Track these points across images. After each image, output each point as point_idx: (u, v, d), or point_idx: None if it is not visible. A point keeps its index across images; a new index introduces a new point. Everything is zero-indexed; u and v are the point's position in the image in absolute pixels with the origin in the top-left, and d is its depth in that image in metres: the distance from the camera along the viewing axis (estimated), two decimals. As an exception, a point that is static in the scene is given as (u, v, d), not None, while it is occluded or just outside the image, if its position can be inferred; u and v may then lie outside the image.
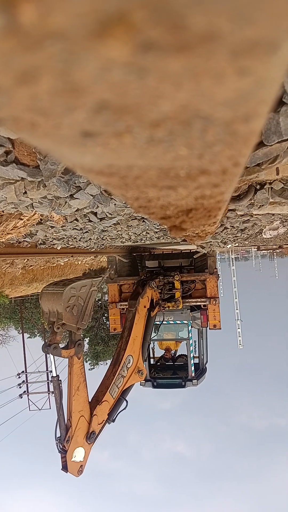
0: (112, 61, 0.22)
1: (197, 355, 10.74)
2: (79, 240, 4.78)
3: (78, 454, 4.70)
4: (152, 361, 11.30)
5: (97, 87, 0.24)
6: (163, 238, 5.11)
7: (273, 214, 2.48)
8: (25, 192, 1.76)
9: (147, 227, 3.68)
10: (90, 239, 4.64)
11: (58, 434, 4.62)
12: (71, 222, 2.94)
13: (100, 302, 23.54)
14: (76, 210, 2.29)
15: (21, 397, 22.30)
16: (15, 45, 0.21)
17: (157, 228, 3.82)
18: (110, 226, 3.19)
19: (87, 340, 23.50)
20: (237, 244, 7.39)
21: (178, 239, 4.64)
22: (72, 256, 8.14)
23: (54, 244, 5.15)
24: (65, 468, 4.62)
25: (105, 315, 22.27)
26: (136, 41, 0.21)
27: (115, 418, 5.41)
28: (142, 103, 0.26)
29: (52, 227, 3.38)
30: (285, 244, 10.70)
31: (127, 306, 7.00)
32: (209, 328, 9.29)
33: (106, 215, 2.67)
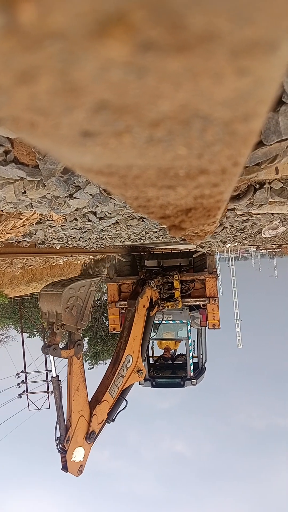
0: (111, 61, 0.22)
1: (196, 355, 10.74)
2: (79, 240, 4.78)
3: (78, 454, 4.70)
4: (151, 361, 11.30)
5: (96, 87, 0.24)
6: (162, 237, 5.11)
7: (273, 213, 2.48)
8: (24, 192, 1.76)
9: (146, 227, 3.68)
10: (89, 238, 4.64)
11: (58, 434, 4.62)
12: (70, 221, 2.94)
13: (99, 301, 23.53)
14: (75, 210, 2.29)
15: (21, 397, 22.30)
16: (15, 45, 0.21)
17: (157, 228, 3.82)
18: (110, 225, 3.19)
19: (86, 339, 23.50)
20: (236, 244, 7.39)
21: (178, 239, 4.64)
22: (71, 256, 8.14)
23: (53, 244, 5.15)
24: (65, 468, 4.62)
25: (105, 314, 22.26)
26: (136, 41, 0.21)
27: (115, 417, 5.41)
28: (141, 103, 0.26)
29: (51, 226, 3.38)
30: (284, 244, 10.70)
31: (126, 306, 7.00)
32: (208, 328, 9.30)
33: (106, 215, 2.67)
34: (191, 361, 9.96)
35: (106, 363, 22.35)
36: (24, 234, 3.62)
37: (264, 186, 1.91)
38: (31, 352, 22.69)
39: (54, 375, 4.69)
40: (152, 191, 0.48)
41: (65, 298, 4.31)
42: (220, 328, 9.17)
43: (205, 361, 10.87)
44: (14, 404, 21.76)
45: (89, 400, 5.00)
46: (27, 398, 22.68)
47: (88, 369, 22.37)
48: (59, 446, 4.60)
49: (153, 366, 11.22)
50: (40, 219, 3.08)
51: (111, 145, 0.32)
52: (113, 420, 5.36)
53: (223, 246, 7.15)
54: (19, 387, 22.43)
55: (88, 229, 3.59)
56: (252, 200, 2.01)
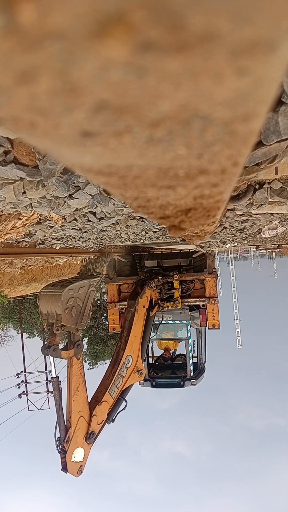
0: (111, 61, 0.22)
1: (196, 355, 10.74)
2: (78, 240, 4.78)
3: (77, 455, 4.70)
4: (150, 361, 11.30)
5: (96, 87, 0.24)
6: (162, 237, 5.11)
7: (272, 213, 2.48)
8: (24, 192, 1.76)
9: (146, 227, 3.68)
10: (89, 238, 4.64)
11: (58, 435, 4.62)
12: (70, 222, 2.94)
13: (99, 302, 23.53)
14: (75, 210, 2.29)
15: (20, 397, 22.30)
16: (15, 45, 0.21)
17: (156, 228, 3.82)
18: (109, 226, 3.19)
19: (86, 340, 23.50)
20: (236, 244, 7.40)
21: (177, 239, 4.64)
22: (71, 256, 8.14)
23: (53, 244, 5.14)
24: (64, 468, 4.62)
25: (104, 315, 22.26)
26: (135, 41, 0.21)
27: (115, 418, 5.40)
28: (141, 103, 0.26)
29: (51, 227, 3.38)
30: (284, 244, 10.71)
31: (126, 306, 7.00)
32: (208, 328, 9.29)
33: (105, 215, 2.67)
34: (190, 361, 9.96)
35: (105, 363, 22.36)
36: (23, 234, 3.62)
37: (264, 186, 1.91)
38: (31, 352, 22.72)
39: (54, 376, 4.69)
40: (151, 191, 0.48)
41: (65, 299, 4.31)
42: (219, 328, 9.17)
43: (205, 361, 10.87)
44: (14, 405, 21.78)
45: (89, 401, 5.00)
46: (27, 399, 22.69)
47: (88, 369, 22.38)
48: (59, 447, 4.60)
49: (153, 366, 11.22)
50: (40, 219, 3.08)
51: (111, 145, 0.32)
52: (113, 421, 5.35)
53: (222, 246, 7.15)
54: (19, 387, 22.44)
55: (88, 230, 3.59)
56: (251, 200, 2.01)
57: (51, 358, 4.60)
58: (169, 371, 10.94)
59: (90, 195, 1.90)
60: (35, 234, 3.93)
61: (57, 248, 5.47)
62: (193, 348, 10.47)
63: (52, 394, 4.80)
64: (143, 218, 3.09)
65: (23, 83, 0.23)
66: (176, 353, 12.03)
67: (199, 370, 10.35)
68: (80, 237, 4.42)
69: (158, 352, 12.10)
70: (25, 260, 8.96)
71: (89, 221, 2.84)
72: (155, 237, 4.90)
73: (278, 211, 2.19)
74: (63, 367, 4.94)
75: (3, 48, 0.21)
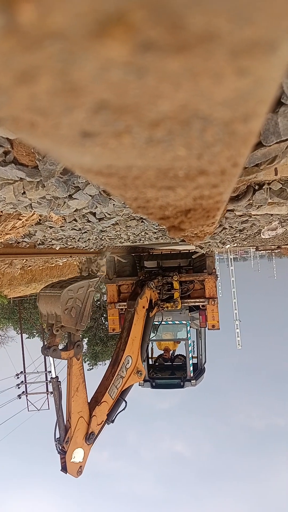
0: (111, 61, 0.22)
1: (196, 355, 10.74)
2: (78, 241, 4.78)
3: (77, 455, 4.70)
4: (150, 361, 11.30)
5: (96, 87, 0.24)
6: (161, 238, 5.11)
7: (272, 214, 2.48)
8: (24, 193, 1.76)
9: (145, 228, 3.68)
10: (88, 239, 4.64)
11: (57, 435, 4.62)
12: (69, 222, 2.94)
13: (98, 302, 23.53)
14: (74, 211, 2.29)
15: (20, 398, 22.28)
16: (15, 45, 0.21)
17: (156, 229, 3.82)
18: (109, 226, 3.19)
19: (85, 340, 23.49)
20: (235, 245, 7.40)
21: (177, 240, 4.64)
22: (71, 257, 8.14)
23: (52, 245, 5.14)
24: (64, 468, 4.61)
25: (104, 315, 22.25)
26: (135, 41, 0.21)
27: (114, 418, 5.40)
28: (141, 103, 0.26)
29: (50, 227, 3.38)
30: (283, 245, 10.71)
31: (125, 307, 7.00)
32: (208, 328, 9.29)
33: (105, 216, 2.67)
34: (190, 362, 9.96)
35: (105, 364, 22.35)
36: (23, 234, 3.62)
37: (263, 187, 1.91)
38: (31, 353, 22.70)
39: (53, 376, 4.69)
40: (151, 192, 0.48)
41: (64, 300, 4.31)
42: (219, 329, 9.16)
43: (205, 361, 10.86)
44: (14, 405, 21.76)
45: (89, 401, 5.00)
46: (27, 399, 22.68)
47: (88, 370, 22.36)
48: (59, 447, 4.60)
49: (153, 367, 11.21)
50: (40, 219, 3.08)
51: (110, 145, 0.32)
52: (112, 421, 5.35)
53: (222, 247, 7.15)
54: (19, 388, 22.42)
55: (88, 230, 3.58)
56: (251, 201, 2.01)
57: (51, 358, 4.60)
58: (169, 372, 10.94)
59: (90, 195, 1.90)
60: (34, 235, 3.93)
61: (57, 248, 5.47)
62: (193, 348, 10.47)
63: (52, 395, 4.80)
64: (143, 219, 3.09)
65: (23, 83, 0.23)
66: (175, 354, 12.03)
67: (199, 370, 10.35)
68: (79, 238, 4.42)
69: (158, 353, 12.10)
70: (25, 260, 8.96)
71: (88, 221, 2.84)
72: (154, 237, 4.91)
73: (278, 212, 2.19)
74: (63, 367, 4.94)
75: (3, 48, 0.21)
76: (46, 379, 21.84)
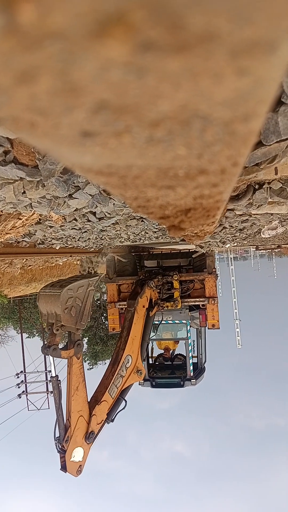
0: (111, 61, 0.22)
1: (196, 355, 10.74)
2: (78, 240, 4.78)
3: (77, 454, 4.70)
4: (150, 361, 11.30)
5: (96, 87, 0.24)
6: (162, 237, 5.11)
7: (272, 213, 2.48)
8: (24, 192, 1.76)
9: (146, 227, 3.68)
10: (89, 238, 4.64)
11: (57, 434, 4.62)
12: (69, 222, 2.94)
13: (98, 302, 23.54)
14: (75, 210, 2.29)
15: (20, 397, 22.30)
16: (15, 45, 0.21)
17: (156, 228, 3.82)
18: (109, 225, 3.19)
19: (85, 339, 23.49)
20: (235, 244, 7.40)
21: (177, 239, 4.65)
22: (71, 256, 8.14)
23: (52, 244, 5.14)
24: (64, 468, 4.62)
25: (104, 315, 22.26)
26: (135, 41, 0.21)
27: (114, 418, 5.40)
28: (141, 103, 0.26)
29: (50, 227, 3.38)
30: (283, 244, 10.71)
31: (126, 306, 7.00)
32: (208, 328, 9.29)
33: (105, 215, 2.67)
34: (190, 361, 9.96)
35: (105, 363, 22.35)
36: (23, 234, 3.61)
37: (264, 186, 1.91)
38: (31, 352, 22.72)
39: (53, 375, 4.69)
40: (151, 191, 0.48)
41: (64, 299, 4.31)
42: (219, 328, 9.17)
43: (205, 361, 10.86)
44: (14, 405, 21.78)
45: (89, 400, 5.00)
46: (27, 399, 22.69)
47: (88, 369, 22.38)
48: (58, 446, 4.60)
49: (153, 366, 11.22)
50: (40, 219, 3.08)
51: (111, 145, 0.32)
52: (112, 420, 5.35)
53: (222, 246, 7.15)
54: (19, 387, 22.44)
55: (88, 229, 3.58)
56: (251, 200, 2.01)
57: (51, 358, 4.60)
58: (169, 371, 10.94)
59: (90, 195, 1.90)
60: (35, 234, 3.93)
61: (57, 248, 5.47)
62: (193, 348, 10.47)
63: (52, 394, 4.80)
64: (143, 218, 3.09)
65: (23, 83, 0.23)
66: (175, 353, 12.03)
67: (199, 370, 10.35)
68: (80, 237, 4.42)
69: (158, 352, 12.11)
70: (25, 260, 8.96)
71: (89, 221, 2.84)
72: (155, 237, 4.91)
73: (278, 211, 2.19)
74: (63, 366, 4.94)
75: (3, 48, 0.21)
76: (46, 379, 21.86)
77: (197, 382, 9.84)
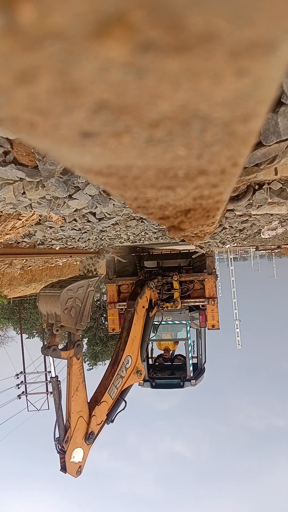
0: (111, 61, 0.22)
1: (196, 355, 10.74)
2: (78, 241, 4.78)
3: (77, 455, 4.70)
4: (150, 361, 11.30)
5: (96, 87, 0.24)
6: (161, 238, 5.11)
7: (272, 214, 2.48)
8: (24, 193, 1.76)
9: (145, 228, 3.68)
10: (88, 239, 4.64)
11: (57, 435, 4.62)
12: (69, 222, 2.94)
13: (98, 302, 23.53)
14: (74, 211, 2.29)
15: (20, 398, 22.29)
16: (14, 45, 0.21)
17: (156, 229, 3.82)
18: (109, 226, 3.19)
19: (85, 340, 23.49)
20: (235, 244, 7.40)
21: (177, 239, 4.65)
22: (70, 257, 8.14)
23: (52, 245, 5.15)
24: (64, 468, 4.61)
25: (104, 315, 22.26)
26: (135, 41, 0.21)
27: (114, 418, 5.40)
28: (141, 103, 0.26)
29: (50, 227, 3.38)
30: (283, 244, 10.72)
31: (125, 307, 7.00)
32: (208, 328, 9.29)
33: (105, 216, 2.67)
34: (190, 361, 9.95)
35: (105, 364, 22.35)
36: (23, 234, 3.62)
37: (263, 187, 1.91)
38: (30, 353, 22.71)
39: (53, 376, 4.69)
40: (151, 192, 0.48)
41: (64, 300, 4.31)
42: (219, 328, 9.16)
43: (205, 361, 10.86)
44: (13, 405, 21.77)
45: (88, 401, 5.00)
46: (26, 399, 22.68)
47: (87, 370, 22.36)
48: (58, 447, 4.60)
49: (153, 367, 11.22)
50: (40, 220, 3.08)
51: (110, 145, 0.32)
52: (112, 421, 5.35)
53: (222, 247, 7.15)
54: (18, 388, 22.43)
55: (88, 230, 3.59)
56: (251, 201, 2.01)
57: (51, 358, 4.60)
58: (169, 372, 10.94)
59: (90, 195, 1.90)
60: (34, 235, 3.93)
61: (57, 248, 5.47)
62: (193, 348, 10.47)
63: (52, 395, 4.80)
64: (143, 219, 3.09)
65: (23, 83, 0.23)
66: (175, 354, 12.03)
67: (198, 370, 10.35)
68: (79, 238, 4.42)
69: (158, 353, 12.11)
70: (24, 260, 8.96)
71: (88, 221, 2.84)
72: (154, 237, 4.91)
73: (278, 211, 2.19)
74: (63, 367, 4.94)
75: (3, 48, 0.21)
76: (46, 379, 21.85)
77: (197, 382, 9.84)
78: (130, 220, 3.06)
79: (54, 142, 0.31)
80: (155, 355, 12.06)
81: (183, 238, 0.89)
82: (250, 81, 0.25)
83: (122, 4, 0.19)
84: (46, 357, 5.10)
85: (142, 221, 3.17)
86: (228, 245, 6.99)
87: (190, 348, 9.92)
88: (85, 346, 22.75)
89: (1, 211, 2.46)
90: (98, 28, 0.20)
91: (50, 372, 5.03)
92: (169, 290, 8.46)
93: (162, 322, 8.74)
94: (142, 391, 10.23)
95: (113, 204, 2.14)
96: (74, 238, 4.43)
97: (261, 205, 2.08)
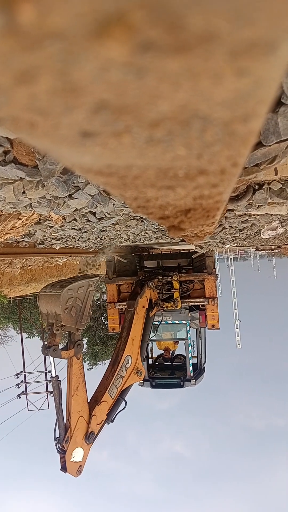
0: (111, 61, 0.22)
1: (196, 355, 10.74)
2: (78, 240, 4.78)
3: (77, 454, 4.70)
4: (150, 361, 11.30)
5: (96, 87, 0.24)
6: (161, 238, 5.11)
7: (272, 214, 2.48)
8: (24, 192, 1.76)
9: (145, 227, 3.68)
10: (88, 239, 4.64)
11: (57, 434, 4.62)
12: (69, 222, 2.94)
13: (98, 302, 23.53)
14: (74, 210, 2.29)
15: (20, 397, 22.30)
16: (14, 45, 0.21)
17: (156, 228, 3.82)
18: (109, 226, 3.19)
19: (85, 340, 23.49)
20: (235, 244, 7.40)
21: (177, 239, 4.65)
22: (70, 256, 8.14)
23: (52, 244, 5.15)
24: (64, 468, 4.62)
25: (104, 315, 22.26)
26: (135, 41, 0.21)
27: (114, 418, 5.40)
28: (141, 103, 0.26)
29: (50, 227, 3.38)
30: (283, 244, 10.72)
31: (125, 306, 7.00)
32: (208, 328, 9.29)
33: (105, 215, 2.67)
34: (190, 361, 9.96)
35: (105, 363, 22.36)
36: (23, 234, 3.62)
37: (263, 187, 1.91)
38: (30, 352, 22.73)
39: (53, 375, 4.69)
40: (151, 192, 0.48)
41: (64, 299, 4.31)
42: (219, 328, 9.16)
43: (205, 361, 10.86)
44: (13, 405, 21.78)
45: (88, 401, 5.00)
46: (26, 399, 22.69)
47: (88, 369, 22.38)
48: (58, 447, 4.60)
49: (153, 366, 11.22)
50: (40, 219, 3.08)
51: (110, 145, 0.32)
52: (112, 421, 5.35)
53: (222, 247, 7.15)
54: (18, 387, 22.44)
55: (88, 230, 3.59)
56: (251, 201, 2.01)
57: (51, 358, 4.60)
58: (169, 372, 10.94)
59: (90, 195, 1.90)
60: (34, 234, 3.93)
61: (57, 248, 5.47)
62: (193, 348, 10.47)
63: (52, 394, 4.80)
64: (143, 219, 3.09)
65: (23, 83, 0.23)
66: (175, 354, 12.03)
67: (198, 370, 10.35)
68: (79, 237, 4.42)
69: (158, 353, 12.11)
70: (24, 260, 8.96)
71: (88, 221, 2.84)
72: (154, 237, 4.91)
73: (278, 211, 2.19)
74: (63, 366, 4.94)
75: (3, 48, 0.21)
76: (46, 379, 21.87)
77: (197, 382, 9.84)
78: (130, 219, 3.06)
79: (54, 142, 0.31)
80: (155, 355, 12.06)
81: (183, 238, 0.89)
82: (250, 81, 0.25)
83: (122, 4, 0.19)
84: (46, 356, 5.10)
85: (142, 221, 3.17)
86: (228, 245, 6.99)
87: (190, 348, 9.92)
88: (85, 346, 22.75)
89: (1, 211, 2.46)
90: (98, 28, 0.20)
91: (50, 371, 5.03)
92: (169, 290, 8.46)
93: (162, 322, 8.74)
94: (142, 391, 10.24)
95: (113, 204, 2.14)
96: (74, 237, 4.43)
97: (261, 205, 2.08)
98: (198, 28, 0.21)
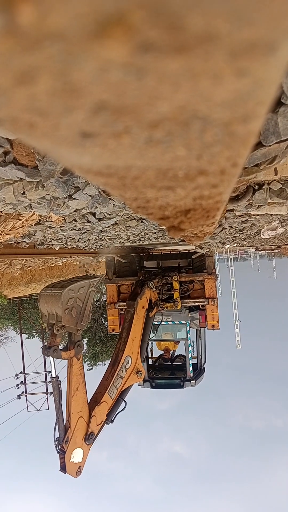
0: (110, 61, 0.22)
1: (196, 356, 10.74)
2: (78, 241, 4.78)
3: (76, 455, 4.70)
4: (150, 362, 11.30)
5: (95, 88, 0.24)
6: (161, 238, 5.11)
7: (272, 214, 2.48)
8: (24, 193, 1.76)
9: (145, 228, 3.69)
10: (88, 239, 4.64)
11: (57, 435, 4.62)
12: (69, 222, 2.94)
13: (98, 302, 23.54)
14: (74, 211, 2.29)
15: (19, 398, 22.30)
16: (14, 45, 0.21)
17: (156, 229, 3.82)
18: (109, 226, 3.19)
19: (85, 340, 23.49)
20: (235, 245, 7.40)
21: (177, 240, 4.65)
22: (70, 257, 8.14)
23: (52, 245, 5.14)
24: (63, 469, 4.62)
25: (104, 315, 22.27)
26: (135, 42, 0.21)
27: (114, 419, 5.40)
28: (140, 104, 0.26)
29: (50, 227, 3.38)
30: (283, 245, 10.72)
31: (125, 307, 7.00)
32: (208, 329, 9.30)
33: (105, 216, 2.67)
34: (190, 362, 9.95)
35: (105, 364, 22.36)
36: (23, 235, 3.62)
37: (263, 187, 1.91)
38: (30, 353, 22.74)
39: (53, 376, 4.69)
40: (151, 192, 0.48)
41: (65, 300, 4.31)
42: (219, 329, 9.16)
43: (205, 362, 10.86)
44: (13, 405, 21.78)
45: (88, 401, 5.00)
46: (26, 399, 22.69)
47: (87, 370, 22.37)
48: (58, 447, 4.60)
49: (152, 367, 11.22)
50: (39, 220, 3.08)
51: (110, 146, 0.32)
52: (112, 421, 5.35)
53: (222, 247, 7.15)
54: (18, 388, 22.44)
55: (87, 230, 3.59)
56: (251, 201, 2.01)
57: (51, 358, 4.60)
58: (169, 372, 10.94)
59: (90, 195, 1.90)
60: (34, 235, 3.93)
61: (57, 248, 5.47)
62: (193, 348, 10.47)
63: (52, 395, 4.80)
64: (143, 219, 3.09)
65: (22, 83, 0.23)
66: (175, 354, 12.03)
67: (198, 370, 10.35)
68: (79, 238, 4.42)
69: (158, 353, 12.11)
70: (24, 260, 8.96)
71: (88, 221, 2.84)
72: (154, 237, 4.91)
73: (278, 212, 2.19)
74: (63, 367, 4.94)
75: (3, 49, 0.21)
76: (46, 379, 21.87)
77: (197, 383, 9.84)
78: (130, 220, 3.06)
79: (53, 142, 0.31)
80: (155, 355, 12.06)
81: (183, 238, 0.89)
82: (250, 81, 0.25)
83: (122, 5, 0.19)
84: (47, 357, 5.10)
85: (142, 221, 3.17)
86: (228, 245, 6.99)
87: (190, 348, 9.92)
88: (85, 346, 22.76)
89: (1, 211, 2.46)
90: (98, 29, 0.20)
91: (50, 372, 5.03)
92: (169, 290, 8.47)
93: (162, 322, 8.74)
94: (141, 391, 10.24)
95: (113, 204, 2.14)
96: (74, 238, 4.43)
97: (261, 205, 2.08)
98: (198, 29, 0.21)
